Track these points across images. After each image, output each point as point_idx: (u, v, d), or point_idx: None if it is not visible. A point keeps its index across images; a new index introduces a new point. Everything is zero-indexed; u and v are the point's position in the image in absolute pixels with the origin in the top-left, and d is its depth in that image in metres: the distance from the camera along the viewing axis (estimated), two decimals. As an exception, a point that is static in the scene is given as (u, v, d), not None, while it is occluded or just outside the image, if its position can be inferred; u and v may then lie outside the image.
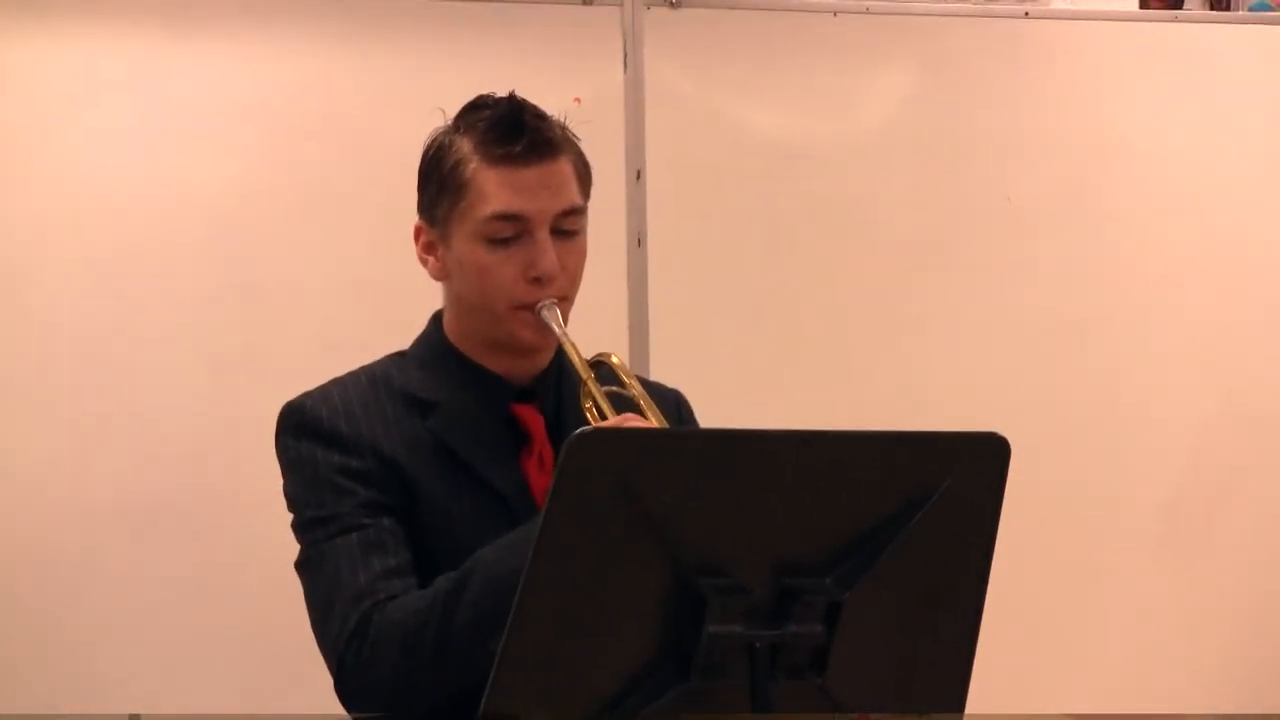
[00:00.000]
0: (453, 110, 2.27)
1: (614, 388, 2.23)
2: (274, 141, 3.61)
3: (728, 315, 3.81)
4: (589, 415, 2.20)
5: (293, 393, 2.26)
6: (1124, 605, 3.99)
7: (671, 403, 2.39)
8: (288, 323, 3.56)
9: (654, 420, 2.13)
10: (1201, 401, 4.04)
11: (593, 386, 2.20)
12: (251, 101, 3.60)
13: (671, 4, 3.77)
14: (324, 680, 2.16)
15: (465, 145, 2.21)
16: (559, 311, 2.20)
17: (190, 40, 3.58)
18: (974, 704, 1.89)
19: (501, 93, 2.26)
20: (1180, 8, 4.14)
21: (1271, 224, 4.10)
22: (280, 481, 2.26)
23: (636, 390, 2.22)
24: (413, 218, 2.29)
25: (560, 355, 2.27)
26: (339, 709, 2.21)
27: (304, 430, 2.21)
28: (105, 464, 3.48)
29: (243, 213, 3.58)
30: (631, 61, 3.76)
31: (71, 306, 3.50)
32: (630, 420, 2.07)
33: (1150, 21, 4.09)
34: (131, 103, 3.56)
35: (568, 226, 2.22)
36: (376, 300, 3.48)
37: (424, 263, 2.28)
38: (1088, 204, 4.02)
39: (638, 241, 3.74)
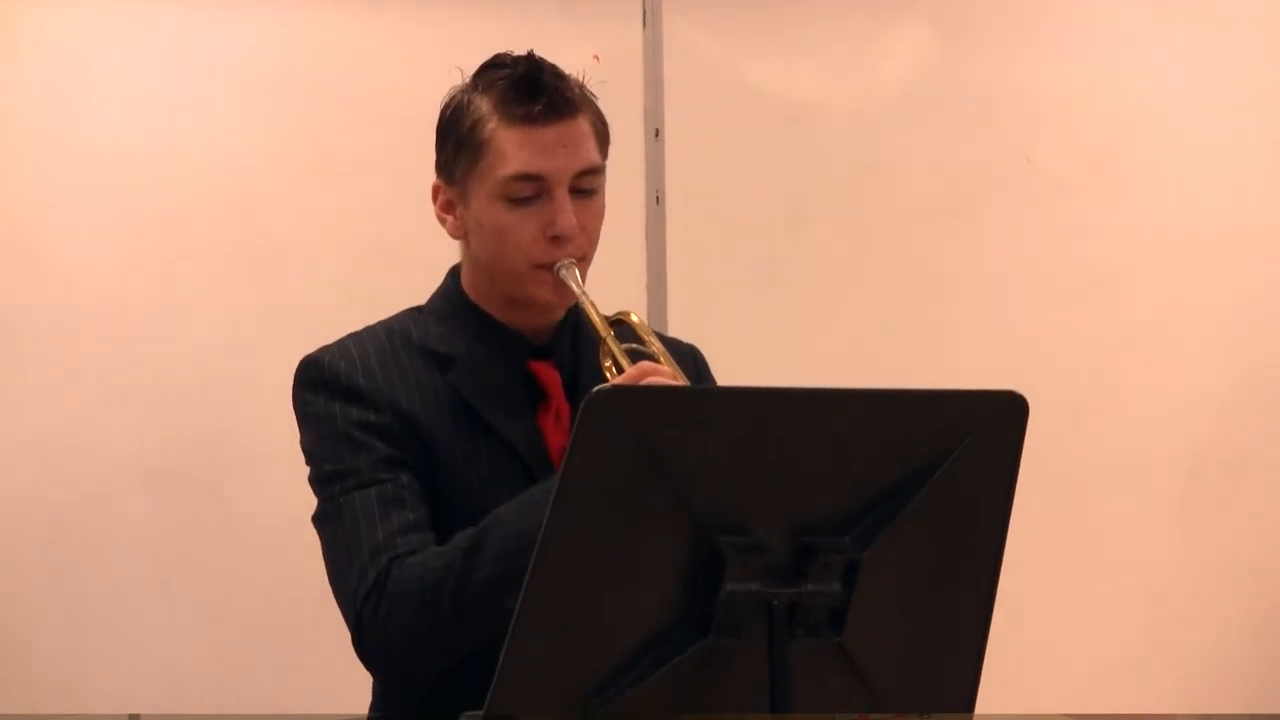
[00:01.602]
0: (471, 69, 2.27)
1: (634, 345, 2.23)
2: (291, 100, 3.62)
3: (746, 273, 3.81)
4: (608, 373, 2.21)
5: (309, 351, 2.26)
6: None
7: (688, 358, 2.39)
8: (306, 286, 3.57)
9: (672, 371, 2.13)
10: (1223, 365, 4.03)
11: (612, 344, 2.20)
12: (270, 61, 3.61)
13: (690, -40, 3.77)
14: (339, 645, 2.16)
15: (484, 104, 2.20)
16: (577, 271, 2.20)
17: (210, 4, 3.58)
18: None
19: (520, 51, 2.25)
20: (1204, -33, 4.12)
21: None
22: (299, 438, 2.26)
23: (656, 348, 2.22)
24: (430, 176, 2.29)
25: (576, 311, 2.27)
26: (350, 687, 2.22)
27: (321, 385, 2.21)
28: (123, 423, 3.50)
29: (260, 172, 3.59)
30: (650, 19, 3.75)
31: (90, 268, 3.52)
32: (648, 370, 2.07)
33: (1174, -19, 4.08)
34: (150, 65, 3.57)
35: (586, 186, 2.22)
36: (395, 261, 3.49)
37: (442, 222, 2.28)
38: (1108, 165, 4.01)
39: (656, 199, 3.74)
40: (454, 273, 2.33)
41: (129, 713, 3.44)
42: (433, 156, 2.29)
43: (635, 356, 2.20)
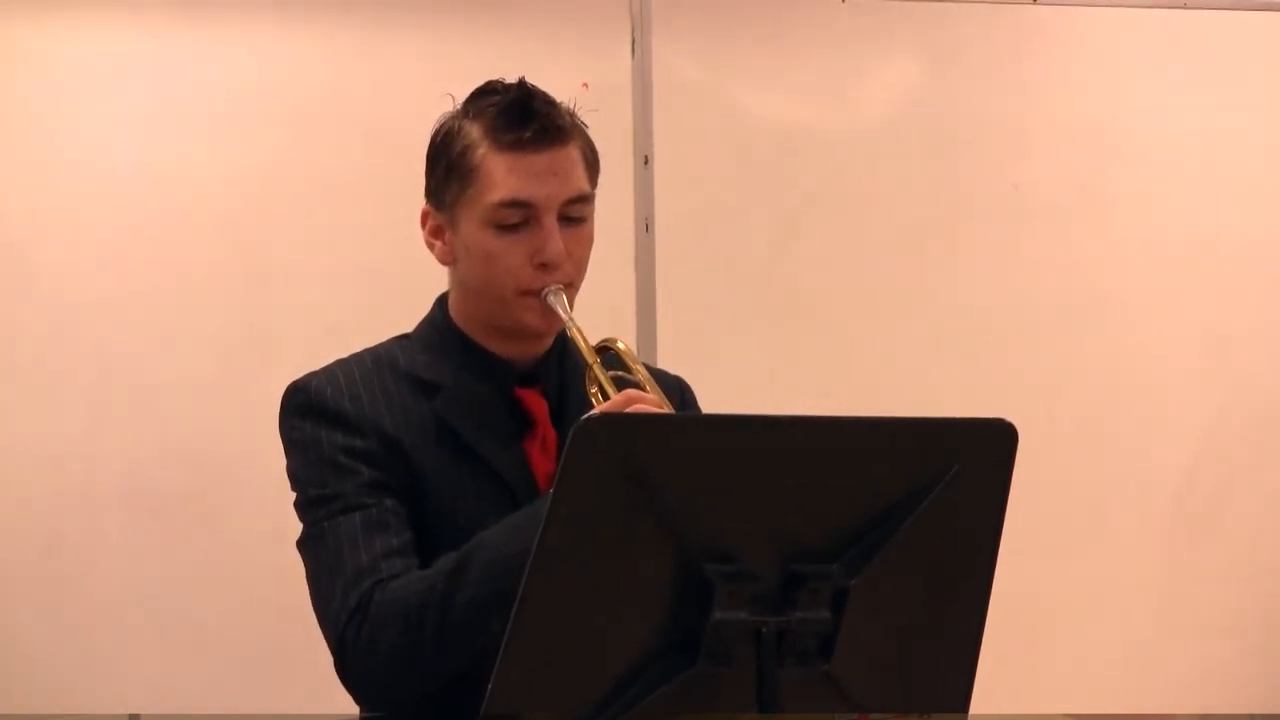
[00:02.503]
0: (461, 97, 2.27)
1: (619, 372, 2.23)
2: (282, 125, 3.62)
3: (735, 301, 3.81)
4: (594, 400, 2.21)
5: (298, 375, 2.26)
6: (1132, 597, 3.97)
7: (675, 389, 2.39)
8: (294, 306, 3.58)
9: (657, 399, 2.13)
10: (1210, 389, 4.03)
11: (599, 371, 2.20)
12: (260, 85, 3.61)
13: (679, -11, 3.78)
14: (328, 661, 2.16)
15: (474, 131, 2.21)
16: (565, 297, 2.20)
17: (201, 25, 3.59)
18: (976, 699, 1.89)
19: (510, 78, 2.26)
20: (1189, -6, 4.13)
21: (1280, 210, 4.10)
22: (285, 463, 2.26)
23: (642, 375, 2.22)
24: (420, 202, 2.29)
25: (563, 339, 2.27)
26: (343, 695, 2.21)
27: (308, 410, 2.21)
28: (111, 447, 3.49)
29: (250, 196, 3.59)
30: (639, 47, 3.76)
31: (78, 289, 3.52)
32: (633, 398, 2.06)
33: (1159, 9, 4.08)
34: (141, 86, 3.58)
35: (575, 213, 2.22)
36: (383, 283, 3.49)
37: (431, 247, 2.28)
38: (1095, 192, 4.01)
39: (645, 227, 3.74)
40: (441, 302, 2.33)
41: (129, 713, 3.43)
42: (422, 181, 2.29)
43: (620, 384, 2.20)
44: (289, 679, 3.44)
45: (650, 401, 2.07)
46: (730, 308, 3.81)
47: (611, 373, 2.21)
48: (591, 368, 2.20)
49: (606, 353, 2.25)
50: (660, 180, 3.75)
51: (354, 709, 2.28)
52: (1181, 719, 3.96)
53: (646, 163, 3.74)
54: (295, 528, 2.22)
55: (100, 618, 3.47)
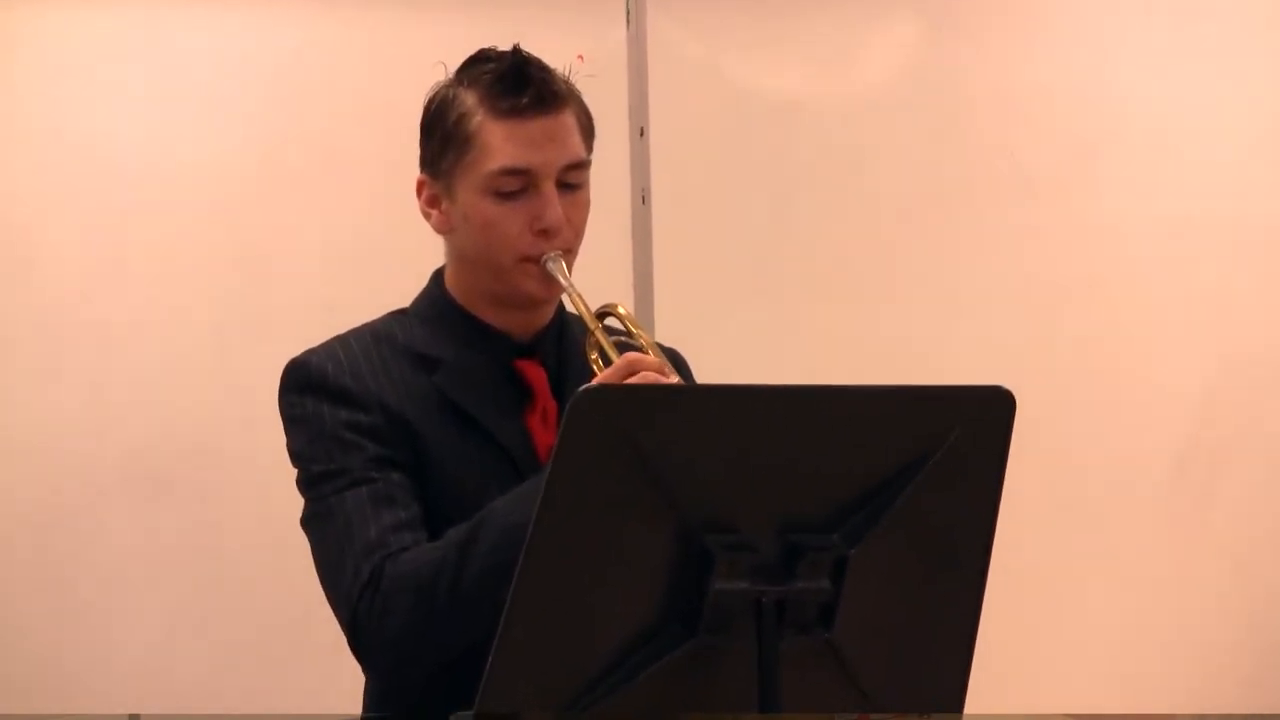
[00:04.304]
0: (454, 66, 2.27)
1: (621, 337, 2.23)
2: (275, 101, 3.61)
3: (732, 272, 3.81)
4: (595, 365, 2.21)
5: (295, 354, 2.26)
6: (1132, 568, 3.97)
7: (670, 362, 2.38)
8: (291, 286, 3.57)
9: (659, 363, 2.12)
10: (1206, 357, 4.02)
11: (600, 336, 2.20)
12: (252, 60, 3.61)
13: (673, -41, 3.77)
14: (332, 644, 2.16)
15: (470, 98, 2.20)
16: (564, 263, 2.20)
17: (192, 4, 3.57)
18: (972, 697, 1.89)
19: (503, 48, 2.25)
20: (1187, -37, 4.12)
21: (1276, 181, 4.08)
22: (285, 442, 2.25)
23: (645, 340, 2.22)
24: (413, 177, 2.28)
25: (561, 312, 2.28)
26: (344, 686, 2.22)
27: (310, 386, 2.20)
28: (109, 428, 3.49)
29: (244, 173, 3.59)
30: (634, 18, 3.75)
31: (74, 270, 3.51)
32: (634, 360, 2.06)
33: (1161, -25, 4.07)
34: (134, 66, 3.57)
35: (572, 180, 2.22)
36: (378, 263, 3.48)
37: (427, 216, 2.28)
38: (1091, 161, 4.01)
39: (642, 199, 3.74)
40: (437, 276, 2.33)
41: (129, 713, 3.43)
42: (417, 159, 2.28)
43: (623, 348, 2.20)
44: (291, 672, 3.45)
45: (651, 365, 2.07)
46: (728, 280, 3.80)
47: (613, 337, 2.22)
48: (593, 332, 2.21)
49: (607, 318, 2.25)
50: (656, 152, 3.74)
51: (355, 707, 2.28)
52: (1181, 719, 3.96)
53: (642, 135, 3.74)
54: (294, 512, 2.21)
55: (108, 605, 3.46)
